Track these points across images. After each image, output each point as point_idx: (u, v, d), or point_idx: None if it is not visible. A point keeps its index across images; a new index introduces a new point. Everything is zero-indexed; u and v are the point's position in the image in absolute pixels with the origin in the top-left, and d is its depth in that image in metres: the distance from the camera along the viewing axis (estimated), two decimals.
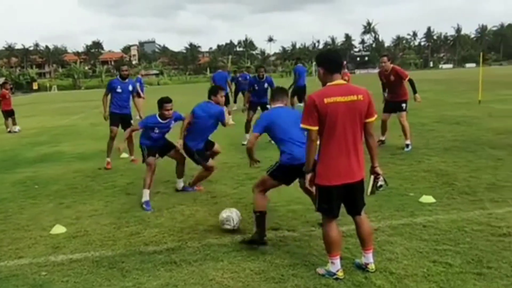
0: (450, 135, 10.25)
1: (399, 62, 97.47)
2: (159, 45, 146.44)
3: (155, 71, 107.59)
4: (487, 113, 13.61)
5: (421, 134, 10.40)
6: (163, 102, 6.28)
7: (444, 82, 36.35)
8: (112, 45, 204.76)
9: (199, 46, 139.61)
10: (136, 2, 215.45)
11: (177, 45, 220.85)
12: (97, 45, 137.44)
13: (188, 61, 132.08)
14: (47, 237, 5.16)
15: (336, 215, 3.72)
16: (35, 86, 73.41)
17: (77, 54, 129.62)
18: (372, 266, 3.78)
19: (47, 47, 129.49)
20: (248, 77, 15.43)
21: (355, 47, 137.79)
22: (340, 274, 3.70)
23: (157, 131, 6.35)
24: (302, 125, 3.57)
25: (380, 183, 3.80)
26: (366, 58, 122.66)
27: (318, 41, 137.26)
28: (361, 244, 3.86)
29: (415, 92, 8.98)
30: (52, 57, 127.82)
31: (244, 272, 3.97)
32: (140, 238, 4.96)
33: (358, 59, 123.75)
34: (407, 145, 8.71)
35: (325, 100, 3.46)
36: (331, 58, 3.69)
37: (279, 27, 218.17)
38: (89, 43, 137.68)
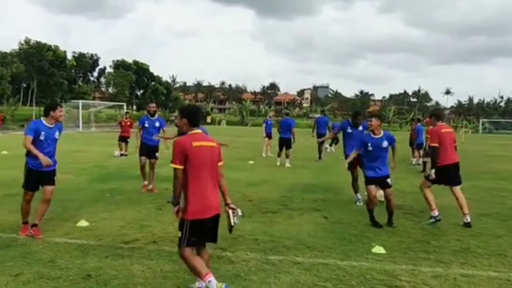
0: None
1: None
2: (332, 90, 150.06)
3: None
4: None
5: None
6: None
7: None
8: (289, 87, 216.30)
9: (371, 94, 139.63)
10: (317, 50, 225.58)
11: (350, 91, 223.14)
12: (273, 86, 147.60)
13: (356, 107, 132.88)
14: (71, 227, 6.91)
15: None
16: (208, 120, 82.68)
17: (254, 93, 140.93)
18: None
19: (230, 85, 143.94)
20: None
21: None
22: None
23: None
24: (172, 164, 4.22)
25: (236, 218, 4.37)
26: None
27: (502, 97, 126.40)
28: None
29: None
30: (232, 94, 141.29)
31: (157, 273, 5.08)
32: (125, 238, 6.38)
33: None
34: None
35: (193, 144, 4.27)
36: (197, 113, 4.55)
37: (459, 80, 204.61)
38: (267, 84, 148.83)
